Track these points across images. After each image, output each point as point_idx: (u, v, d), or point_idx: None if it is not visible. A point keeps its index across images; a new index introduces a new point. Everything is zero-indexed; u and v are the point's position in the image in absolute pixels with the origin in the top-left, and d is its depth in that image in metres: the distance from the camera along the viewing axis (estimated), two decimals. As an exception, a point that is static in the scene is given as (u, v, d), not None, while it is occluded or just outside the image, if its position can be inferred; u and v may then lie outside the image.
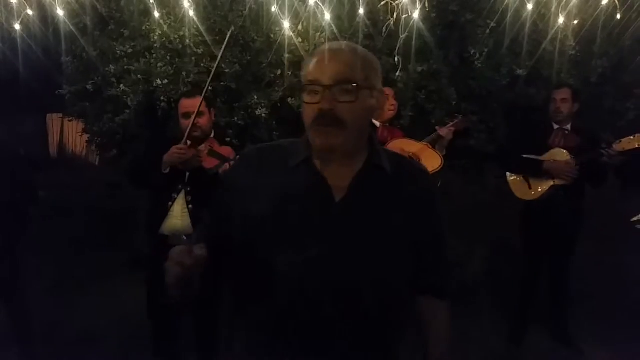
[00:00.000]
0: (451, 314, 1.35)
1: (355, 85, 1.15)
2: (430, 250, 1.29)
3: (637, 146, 3.13)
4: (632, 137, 3.16)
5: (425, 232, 1.27)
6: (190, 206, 2.78)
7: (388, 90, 3.38)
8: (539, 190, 3.39)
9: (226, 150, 2.88)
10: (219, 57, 2.68)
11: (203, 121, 2.83)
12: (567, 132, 3.41)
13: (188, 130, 2.75)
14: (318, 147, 1.19)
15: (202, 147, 2.78)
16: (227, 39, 2.70)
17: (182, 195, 2.78)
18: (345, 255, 1.16)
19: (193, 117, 2.72)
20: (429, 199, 1.29)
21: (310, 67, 1.19)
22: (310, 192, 1.20)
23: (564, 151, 3.35)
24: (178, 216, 2.77)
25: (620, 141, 3.16)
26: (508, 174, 3.54)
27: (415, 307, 1.33)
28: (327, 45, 1.23)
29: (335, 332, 1.16)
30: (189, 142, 2.77)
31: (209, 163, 2.77)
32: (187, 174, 2.79)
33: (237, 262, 1.26)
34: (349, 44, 1.25)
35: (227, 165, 2.70)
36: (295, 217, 1.18)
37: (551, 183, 3.35)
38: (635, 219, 3.14)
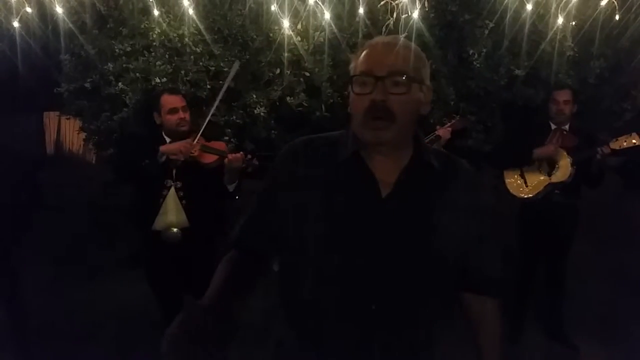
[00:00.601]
0: (499, 313, 1.36)
1: (407, 77, 1.16)
2: (477, 248, 1.28)
3: (633, 143, 3.18)
4: (627, 136, 3.21)
5: (472, 230, 1.25)
6: (183, 201, 2.79)
7: None
8: (536, 187, 3.40)
9: (219, 145, 2.93)
10: (223, 89, 2.98)
11: (188, 116, 2.89)
12: (565, 132, 3.42)
13: (204, 127, 2.90)
14: (367, 140, 1.19)
15: (195, 143, 2.81)
16: (232, 73, 2.83)
17: (172, 190, 2.79)
18: (391, 251, 1.17)
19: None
20: (476, 197, 1.28)
21: (362, 58, 1.20)
22: (357, 187, 1.21)
23: (562, 151, 3.37)
24: (172, 211, 2.78)
25: (616, 139, 3.21)
26: (505, 172, 3.55)
27: (463, 306, 1.34)
28: (379, 39, 1.25)
29: (379, 331, 1.17)
30: (197, 138, 2.83)
31: (207, 158, 2.81)
32: (174, 170, 2.80)
33: (282, 258, 1.29)
34: (400, 37, 1.25)
35: (227, 160, 2.74)
36: (341, 212, 1.19)
37: (547, 181, 3.37)
38: None
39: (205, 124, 2.93)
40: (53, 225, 5.41)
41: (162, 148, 2.72)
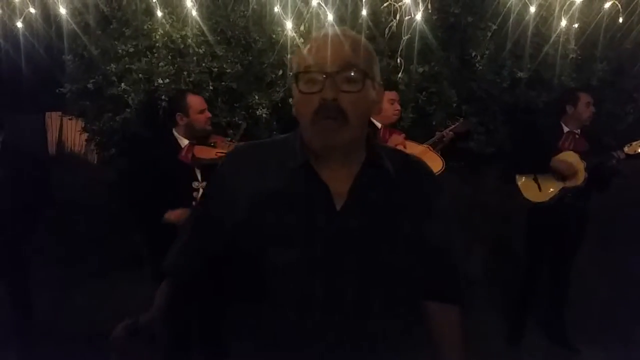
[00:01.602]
0: (462, 320, 1.27)
1: (360, 72, 1.05)
2: (438, 254, 1.21)
3: None
4: None
5: (432, 236, 1.18)
6: None
7: (394, 95, 3.39)
8: (550, 192, 3.39)
9: None
10: None
11: (209, 116, 2.98)
12: (577, 135, 3.41)
13: (242, 130, 3.13)
14: (318, 146, 1.08)
15: (228, 145, 2.85)
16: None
17: (201, 193, 2.79)
18: (349, 265, 1.08)
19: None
20: (435, 200, 1.20)
21: (307, 52, 1.08)
22: (310, 200, 1.10)
23: (575, 154, 3.35)
24: None
25: (631, 144, 3.19)
26: (517, 176, 3.53)
27: (425, 315, 1.24)
28: (326, 31, 1.11)
29: (339, 342, 1.09)
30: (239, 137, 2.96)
31: None
32: (200, 171, 2.81)
33: (234, 273, 1.17)
34: (348, 29, 1.14)
35: None
36: (294, 228, 1.09)
37: (562, 185, 3.35)
38: None
39: (244, 126, 3.07)
40: (54, 225, 5.41)
41: (167, 216, 2.72)
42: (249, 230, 1.11)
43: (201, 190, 2.80)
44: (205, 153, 2.85)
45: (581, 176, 3.30)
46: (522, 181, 3.52)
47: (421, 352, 1.25)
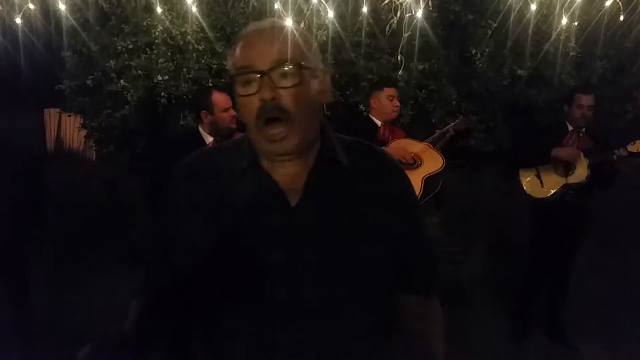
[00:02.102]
0: (440, 312, 1.22)
1: (296, 65, 0.99)
2: (408, 247, 1.14)
3: None
4: None
5: (398, 228, 1.11)
6: None
7: (392, 91, 3.38)
8: (552, 188, 3.39)
9: None
10: None
11: (234, 114, 2.95)
12: (581, 133, 3.40)
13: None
14: (268, 152, 1.04)
15: None
16: None
17: None
18: (312, 263, 1.02)
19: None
20: (398, 191, 1.14)
21: (239, 51, 1.01)
22: (262, 200, 1.04)
23: (575, 148, 3.35)
24: None
25: (634, 142, 3.18)
26: (520, 172, 3.52)
27: (402, 308, 1.18)
28: (253, 25, 1.06)
29: (308, 346, 1.03)
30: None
31: None
32: None
33: (198, 292, 1.10)
34: (277, 20, 1.09)
35: None
36: (251, 231, 1.03)
37: (564, 181, 3.35)
38: None
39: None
40: (52, 223, 5.39)
41: None
42: (207, 241, 1.06)
43: None
44: None
45: (584, 173, 3.29)
46: (524, 177, 3.51)
47: (398, 349, 1.21)
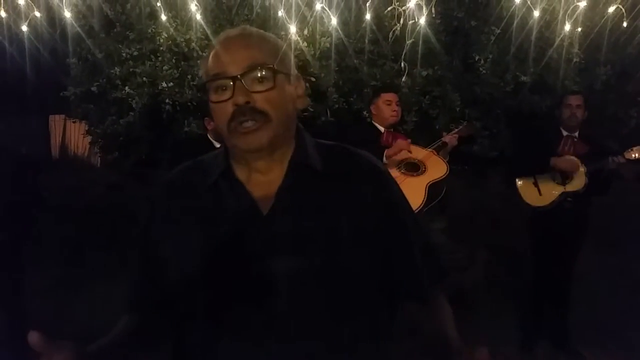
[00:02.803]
0: (447, 309, 1.13)
1: (269, 69, 0.98)
2: (394, 253, 1.07)
3: None
4: None
5: (380, 233, 1.05)
6: None
7: (391, 96, 3.38)
8: (550, 196, 3.38)
9: None
10: None
11: None
12: (575, 139, 3.41)
13: None
14: (241, 149, 1.01)
15: None
16: None
17: None
18: (284, 273, 0.98)
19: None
20: (378, 194, 1.07)
21: (212, 59, 1.01)
22: (234, 210, 1.02)
23: (575, 158, 3.34)
24: None
25: (631, 149, 3.18)
26: (517, 180, 3.52)
27: (409, 314, 1.13)
28: (225, 33, 1.06)
29: (291, 357, 0.98)
30: None
31: None
32: None
33: (175, 308, 1.06)
34: (248, 27, 1.09)
35: None
36: (223, 242, 1.00)
37: (562, 189, 3.35)
38: None
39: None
40: (57, 228, 5.41)
41: None
42: (182, 256, 1.03)
43: None
44: None
45: (582, 181, 3.29)
46: (521, 185, 3.51)
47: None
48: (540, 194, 3.42)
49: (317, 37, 3.83)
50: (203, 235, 1.02)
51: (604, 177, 3.28)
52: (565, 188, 3.33)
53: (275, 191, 1.02)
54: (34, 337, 0.89)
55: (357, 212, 1.04)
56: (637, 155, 3.15)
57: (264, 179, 1.04)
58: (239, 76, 0.97)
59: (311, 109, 3.91)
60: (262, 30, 1.10)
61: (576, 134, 3.42)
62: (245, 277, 0.99)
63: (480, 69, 4.03)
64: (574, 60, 4.09)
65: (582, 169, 3.29)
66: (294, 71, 1.07)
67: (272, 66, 0.99)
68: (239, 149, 1.02)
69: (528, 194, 3.46)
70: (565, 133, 3.42)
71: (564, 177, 3.36)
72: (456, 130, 3.58)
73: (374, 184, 1.08)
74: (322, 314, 0.99)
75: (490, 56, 4.01)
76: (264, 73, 0.98)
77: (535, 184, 3.43)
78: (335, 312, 1.00)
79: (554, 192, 3.37)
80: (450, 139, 3.47)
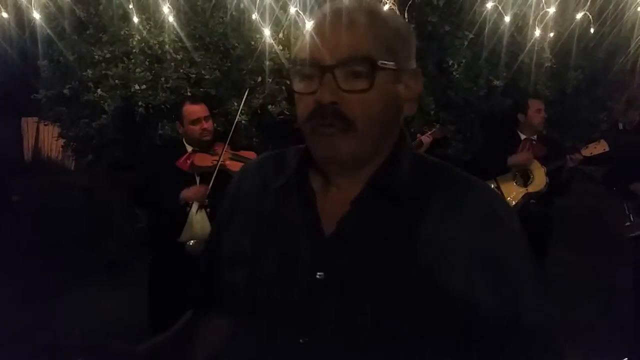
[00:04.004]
0: None
1: (368, 64, 0.77)
2: (491, 336, 0.81)
3: (601, 151, 3.27)
4: (597, 142, 3.32)
5: (476, 304, 0.78)
6: (208, 210, 2.80)
7: None
8: (513, 198, 3.44)
9: (250, 154, 2.97)
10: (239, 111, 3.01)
11: (210, 125, 2.91)
12: (534, 142, 3.49)
13: (230, 136, 2.91)
14: (318, 157, 0.84)
15: (224, 153, 2.84)
16: (245, 97, 3.06)
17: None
18: (331, 309, 0.80)
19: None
20: (482, 249, 0.80)
21: (305, 39, 0.81)
22: (295, 221, 0.86)
23: (535, 160, 3.42)
24: (197, 222, 2.77)
25: (587, 147, 3.31)
26: None
27: None
28: (331, 4, 0.83)
29: None
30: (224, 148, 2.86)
31: (236, 167, 2.81)
32: (198, 177, 2.81)
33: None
34: (365, 2, 0.84)
35: None
36: (275, 257, 0.85)
37: (524, 190, 3.41)
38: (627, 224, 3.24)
39: (230, 134, 2.95)
40: (30, 232, 5.32)
41: (184, 194, 2.75)
42: (235, 259, 0.92)
43: None
44: (203, 161, 2.85)
45: (542, 181, 3.37)
46: None
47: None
48: (503, 196, 3.48)
49: (292, 40, 3.82)
50: (256, 237, 0.90)
51: (565, 176, 3.38)
52: (527, 189, 3.40)
53: (345, 213, 0.83)
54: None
55: (445, 264, 0.79)
56: (594, 151, 3.26)
57: (340, 196, 0.85)
58: (330, 67, 0.77)
59: (287, 112, 3.90)
60: (379, 6, 0.89)
61: (534, 136, 3.51)
62: (284, 300, 0.84)
63: (454, 73, 4.07)
64: (545, 65, 4.15)
65: (542, 169, 3.38)
66: (411, 65, 0.85)
67: (375, 59, 0.77)
68: (315, 154, 0.84)
69: None
70: (523, 136, 3.51)
71: (525, 178, 3.43)
72: (430, 132, 3.63)
73: (483, 233, 0.81)
74: None
75: (464, 61, 4.05)
76: (361, 67, 0.77)
77: (498, 188, 3.50)
78: None
79: (516, 194, 3.44)
80: (424, 139, 3.52)
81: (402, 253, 0.80)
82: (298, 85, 0.82)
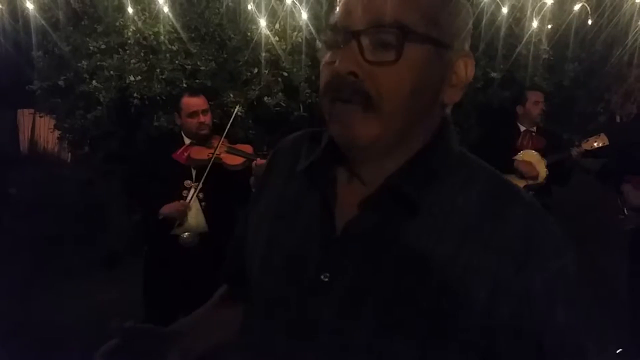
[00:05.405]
0: None
1: (397, 31, 0.64)
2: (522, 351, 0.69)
3: (601, 145, 3.31)
4: (597, 136, 3.34)
5: (511, 320, 0.67)
6: (203, 203, 2.78)
7: None
8: None
9: (246, 147, 2.92)
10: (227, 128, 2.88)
11: (208, 119, 2.89)
12: (533, 133, 3.50)
13: (227, 129, 2.85)
14: (335, 138, 0.73)
15: (220, 146, 2.82)
16: (234, 115, 3.00)
17: (192, 192, 2.78)
18: (334, 316, 0.71)
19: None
20: (515, 272, 0.67)
21: (339, 6, 0.71)
22: (309, 212, 0.77)
23: (534, 152, 3.42)
24: (191, 215, 2.76)
25: (587, 140, 3.33)
26: None
27: None
28: None
29: None
30: (222, 140, 2.83)
31: (233, 160, 2.80)
32: (194, 170, 2.79)
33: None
34: None
35: (255, 163, 2.71)
36: (284, 252, 0.78)
37: (524, 183, 3.41)
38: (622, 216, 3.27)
39: (228, 127, 2.92)
40: (27, 224, 5.31)
41: (164, 210, 2.71)
42: (252, 242, 0.86)
43: (192, 190, 2.77)
44: (200, 154, 2.84)
45: (543, 173, 3.38)
46: None
47: None
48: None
49: (289, 31, 3.80)
50: (272, 223, 0.82)
51: (564, 168, 3.40)
52: (527, 181, 3.41)
53: (361, 210, 0.73)
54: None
55: (465, 293, 0.66)
56: (595, 145, 3.28)
57: (361, 191, 0.74)
58: (356, 33, 0.66)
59: (283, 104, 3.89)
60: None
61: (534, 128, 3.52)
62: (292, 307, 0.75)
63: (451, 65, 4.05)
64: (543, 56, 4.14)
65: (542, 162, 3.39)
66: (460, 45, 0.72)
67: (408, 26, 0.65)
68: (332, 134, 0.73)
69: None
70: (523, 128, 3.52)
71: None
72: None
73: (523, 265, 0.67)
74: None
75: (461, 52, 4.03)
76: (392, 36, 0.65)
77: None
78: None
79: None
80: None
81: (414, 271, 0.68)
82: (325, 55, 0.71)
